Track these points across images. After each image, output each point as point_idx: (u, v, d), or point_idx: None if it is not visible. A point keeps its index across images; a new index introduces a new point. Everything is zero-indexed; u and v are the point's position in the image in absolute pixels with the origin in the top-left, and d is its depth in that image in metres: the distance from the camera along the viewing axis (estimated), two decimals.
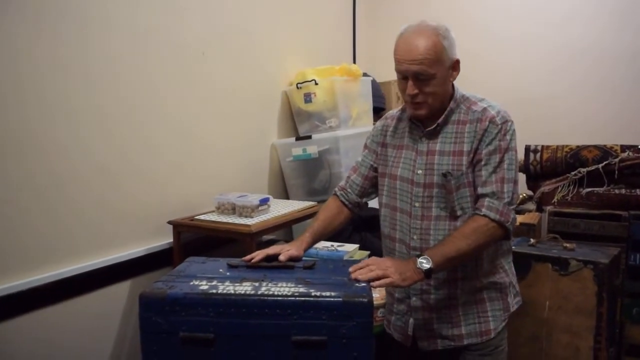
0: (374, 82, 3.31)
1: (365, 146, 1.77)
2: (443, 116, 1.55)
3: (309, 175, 2.90)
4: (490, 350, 1.60)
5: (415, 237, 1.58)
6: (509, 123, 1.52)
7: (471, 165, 1.52)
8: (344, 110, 2.94)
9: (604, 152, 2.94)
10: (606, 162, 2.90)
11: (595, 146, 2.99)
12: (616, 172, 2.87)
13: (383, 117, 1.78)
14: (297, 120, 3.07)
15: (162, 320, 1.25)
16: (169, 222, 2.26)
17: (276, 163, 3.01)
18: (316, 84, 2.88)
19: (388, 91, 3.54)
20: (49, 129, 1.85)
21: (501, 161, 1.50)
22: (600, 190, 2.90)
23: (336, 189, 1.79)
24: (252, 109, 2.83)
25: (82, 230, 1.99)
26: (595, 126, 3.21)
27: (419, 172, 1.57)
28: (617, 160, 2.86)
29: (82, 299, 2.01)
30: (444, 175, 1.52)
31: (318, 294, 1.23)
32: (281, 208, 2.41)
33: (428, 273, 1.40)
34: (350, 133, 2.90)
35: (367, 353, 1.23)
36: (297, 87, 2.94)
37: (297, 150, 2.87)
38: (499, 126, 1.50)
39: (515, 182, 1.53)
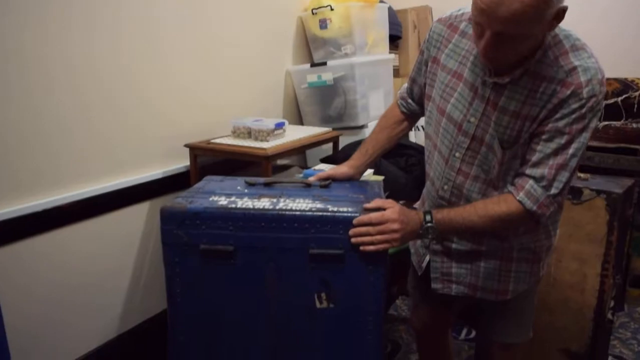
0: (390, 9, 3.22)
1: (421, 52, 1.47)
2: (520, 70, 1.22)
3: (324, 103, 2.89)
4: (512, 304, 1.48)
5: (445, 187, 1.41)
6: (597, 99, 1.18)
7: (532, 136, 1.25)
8: (360, 37, 2.88)
9: (624, 85, 2.90)
10: (626, 95, 2.86)
11: (615, 79, 2.94)
12: (635, 105, 2.84)
13: (444, 18, 1.40)
14: (312, 46, 3.02)
15: (182, 233, 1.29)
16: (186, 145, 2.28)
17: (291, 90, 2.99)
18: (332, 9, 2.81)
19: (404, 19, 3.45)
20: (65, 50, 1.84)
21: (568, 144, 1.20)
22: (617, 123, 2.88)
23: (398, 96, 1.61)
24: (267, 35, 2.79)
25: (100, 152, 2.01)
26: (617, 58, 3.12)
27: (472, 119, 1.31)
28: (637, 94, 2.82)
29: (101, 220, 2.07)
30: (501, 143, 1.27)
31: (335, 209, 1.26)
32: (296, 133, 2.42)
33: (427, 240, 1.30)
34: (366, 60, 2.85)
35: (382, 267, 1.26)
36: (313, 13, 2.87)
37: (312, 77, 2.84)
38: (583, 101, 1.17)
39: (574, 171, 1.24)
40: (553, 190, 1.23)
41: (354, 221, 1.23)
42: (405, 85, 1.60)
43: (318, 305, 1.29)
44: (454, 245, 1.46)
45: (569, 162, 1.21)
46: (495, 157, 1.29)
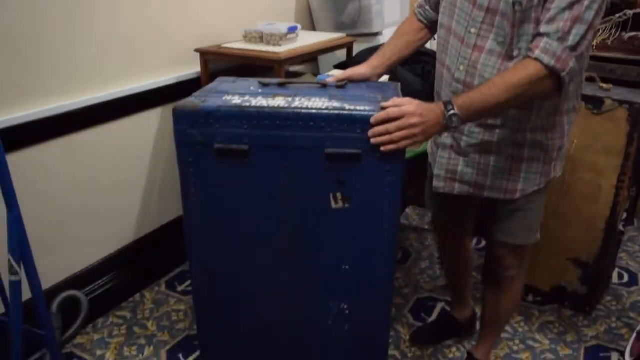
0: None
1: None
2: None
3: (338, 9, 2.77)
4: (522, 203, 1.49)
5: (461, 67, 1.40)
6: None
7: None
8: None
9: None
10: None
11: None
12: None
13: None
14: None
15: (196, 132, 1.26)
16: (196, 50, 2.22)
17: None
18: None
19: None
20: None
21: None
22: None
23: (415, 6, 1.60)
24: None
25: (112, 56, 1.97)
26: None
27: None
28: None
29: (114, 124, 2.06)
30: (513, 4, 1.26)
31: (352, 107, 1.22)
32: (309, 38, 2.34)
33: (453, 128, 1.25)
34: None
35: (399, 167, 1.24)
36: None
37: None
38: None
39: (591, 26, 1.21)
40: (570, 42, 1.20)
41: (372, 120, 1.19)
42: None
43: (333, 205, 1.28)
44: (464, 139, 1.45)
45: (584, 14, 1.19)
46: (508, 21, 1.28)
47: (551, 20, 1.21)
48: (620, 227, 2.23)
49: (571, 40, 1.20)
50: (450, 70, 1.45)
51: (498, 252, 1.62)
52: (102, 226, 2.15)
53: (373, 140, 1.19)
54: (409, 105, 1.20)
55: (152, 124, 2.20)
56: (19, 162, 1.75)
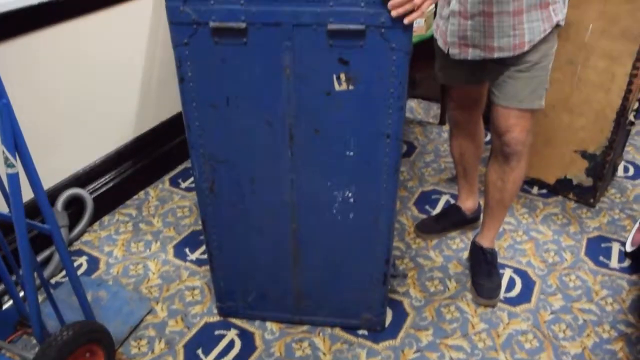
0: None
1: None
2: None
3: None
4: (527, 65, 1.53)
5: None
6: None
7: None
8: None
9: None
10: None
11: None
12: None
13: None
14: None
15: (190, 10, 1.18)
16: None
17: None
18: None
19: None
20: None
21: None
22: None
23: None
24: None
25: None
26: None
27: None
28: None
29: (109, 11, 1.96)
30: None
31: None
32: None
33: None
34: None
35: (405, 44, 1.17)
36: None
37: None
38: None
39: None
40: None
41: None
42: None
43: (337, 87, 1.23)
44: (470, 1, 1.49)
45: None
46: None
47: None
48: (631, 118, 2.17)
49: None
50: None
51: (504, 115, 1.60)
52: (100, 123, 2.10)
53: (394, 13, 1.13)
54: None
55: (147, 9, 2.10)
56: (9, 51, 1.68)
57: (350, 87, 1.22)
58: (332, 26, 1.15)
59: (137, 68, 2.16)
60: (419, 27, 1.66)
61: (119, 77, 2.10)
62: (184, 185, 2.41)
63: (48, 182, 1.94)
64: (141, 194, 2.33)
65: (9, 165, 1.24)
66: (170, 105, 2.35)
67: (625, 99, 2.02)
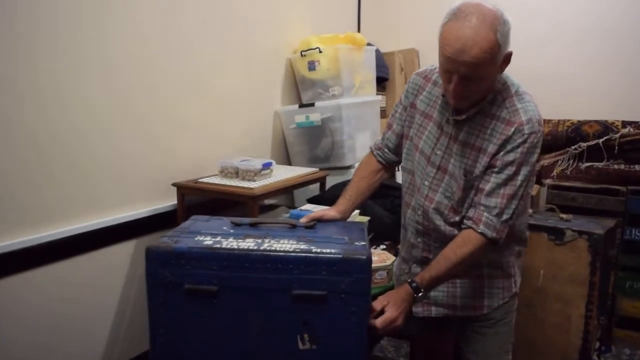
0: (377, 52, 3.31)
1: (400, 102, 1.64)
2: (475, 109, 1.42)
3: (312, 143, 2.93)
4: (490, 322, 1.59)
5: (419, 212, 1.56)
6: (537, 135, 1.39)
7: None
8: (348, 78, 2.95)
9: (605, 127, 2.97)
10: (607, 137, 2.93)
11: (596, 121, 3.01)
12: (616, 147, 2.91)
13: (420, 72, 1.62)
14: (300, 87, 3.08)
15: (167, 272, 1.29)
16: (173, 185, 2.30)
17: (279, 130, 3.03)
18: (320, 52, 2.89)
19: (391, 62, 3.54)
20: (54, 84, 1.88)
21: (515, 174, 1.39)
22: (599, 165, 2.94)
23: (372, 147, 1.73)
24: (256, 76, 2.84)
25: (86, 189, 2.03)
26: (597, 101, 3.20)
27: (438, 152, 1.50)
28: (617, 135, 2.89)
29: (89, 256, 2.07)
30: (465, 174, 1.45)
31: (319, 250, 1.27)
32: (283, 173, 2.44)
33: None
34: (353, 102, 2.92)
35: (364, 308, 1.27)
36: (302, 55, 2.94)
37: (300, 118, 2.89)
38: (525, 137, 1.37)
39: (522, 198, 1.43)
40: (505, 217, 1.42)
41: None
42: (379, 138, 1.73)
43: (301, 346, 1.29)
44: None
45: (518, 191, 1.41)
46: (457, 184, 1.47)
47: (489, 194, 1.42)
48: (595, 357, 2.23)
49: (506, 214, 1.41)
50: (415, 210, 1.59)
51: None
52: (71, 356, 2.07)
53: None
54: (390, 310, 1.39)
55: (126, 257, 2.21)
56: None
57: (314, 347, 1.28)
58: (296, 292, 1.25)
59: (110, 307, 2.19)
60: (382, 279, 1.79)
61: (92, 316, 2.12)
62: None
63: None
64: None
65: None
66: (138, 344, 2.33)
67: (585, 340, 2.10)
